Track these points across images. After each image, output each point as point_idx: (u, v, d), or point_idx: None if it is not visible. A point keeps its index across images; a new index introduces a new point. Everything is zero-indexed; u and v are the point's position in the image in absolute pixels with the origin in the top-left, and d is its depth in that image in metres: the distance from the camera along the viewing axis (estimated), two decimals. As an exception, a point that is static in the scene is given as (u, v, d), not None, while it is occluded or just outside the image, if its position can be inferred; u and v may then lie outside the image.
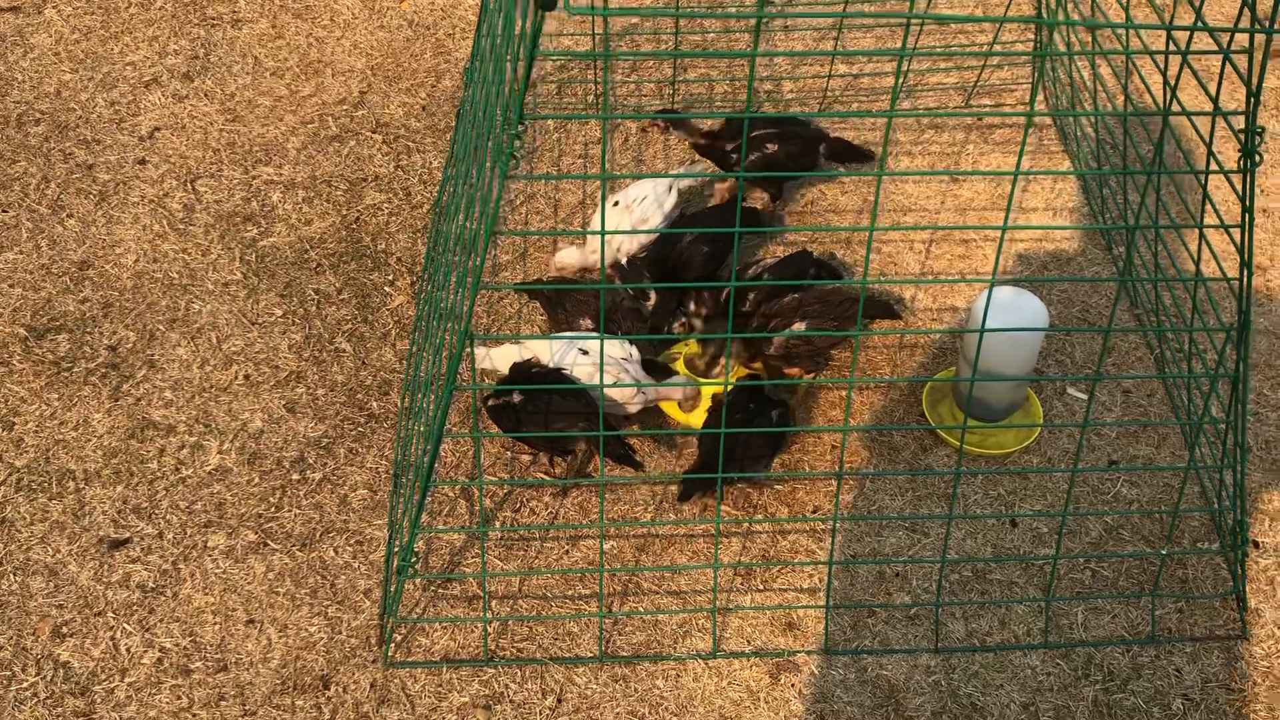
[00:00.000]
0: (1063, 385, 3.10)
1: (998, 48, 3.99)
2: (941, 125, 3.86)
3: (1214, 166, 2.21)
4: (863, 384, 3.05)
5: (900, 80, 3.84)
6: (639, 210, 3.18)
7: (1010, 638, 2.61)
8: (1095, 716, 2.49)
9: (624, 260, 3.13)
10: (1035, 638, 2.61)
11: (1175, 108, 2.29)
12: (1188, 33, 2.03)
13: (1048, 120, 3.85)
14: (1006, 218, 2.11)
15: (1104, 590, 2.69)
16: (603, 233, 2.05)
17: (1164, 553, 2.65)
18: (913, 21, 3.64)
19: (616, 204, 3.21)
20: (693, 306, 3.01)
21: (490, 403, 2.73)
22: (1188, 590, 2.69)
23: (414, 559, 2.52)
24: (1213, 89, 2.16)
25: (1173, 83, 2.25)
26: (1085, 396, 3.08)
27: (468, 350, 2.57)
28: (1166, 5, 4.14)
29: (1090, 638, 2.62)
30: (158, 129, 3.77)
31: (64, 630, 2.57)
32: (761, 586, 2.68)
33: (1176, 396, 3.06)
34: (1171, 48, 2.30)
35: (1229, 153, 3.46)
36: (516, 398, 2.67)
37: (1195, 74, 2.23)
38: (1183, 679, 2.55)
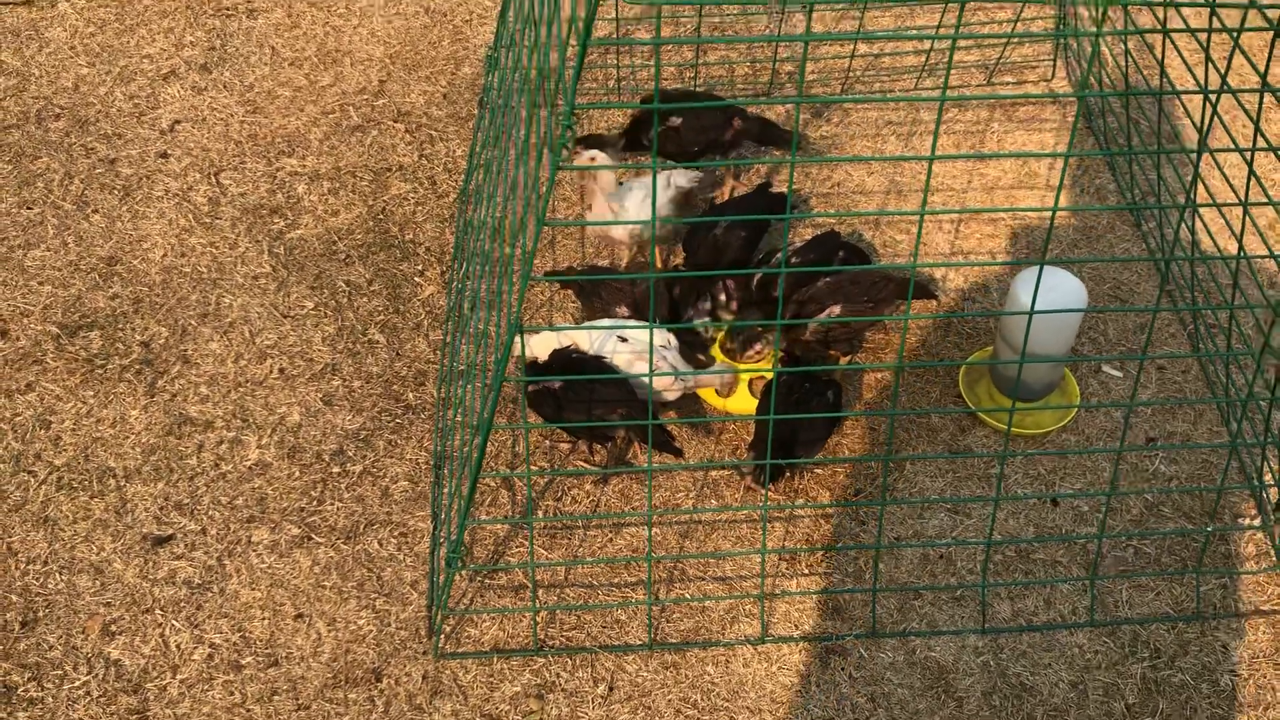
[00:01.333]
0: (1097, 364, 3.10)
1: (1020, 26, 3.97)
2: (964, 104, 3.85)
3: (1261, 144, 2.20)
4: (909, 368, 3.04)
5: (925, 59, 3.85)
6: (634, 191, 3.16)
7: (1056, 617, 2.62)
8: (1144, 693, 2.50)
9: (630, 234, 3.11)
10: (1081, 616, 2.62)
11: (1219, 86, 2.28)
12: (1238, 10, 2.02)
13: (1070, 97, 3.83)
14: (1058, 199, 2.10)
15: (1147, 568, 2.70)
16: (653, 221, 2.04)
17: (1209, 530, 2.66)
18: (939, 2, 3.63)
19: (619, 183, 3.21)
20: (723, 297, 3.00)
21: (530, 389, 2.72)
22: (1231, 566, 2.70)
23: (463, 551, 2.52)
24: (1261, 65, 2.15)
25: (1214, 59, 2.24)
26: (1120, 374, 3.08)
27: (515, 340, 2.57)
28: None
29: (1136, 615, 2.63)
30: (178, 122, 3.75)
31: (113, 628, 2.57)
32: (807, 571, 2.69)
33: (1212, 373, 3.06)
34: (1214, 25, 2.29)
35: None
36: (557, 384, 2.67)
37: (1243, 52, 2.22)
38: (1229, 655, 2.57)
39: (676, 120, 3.29)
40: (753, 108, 3.48)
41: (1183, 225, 3.26)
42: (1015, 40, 3.96)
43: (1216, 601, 2.65)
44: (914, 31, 4.04)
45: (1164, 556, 2.73)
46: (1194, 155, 2.29)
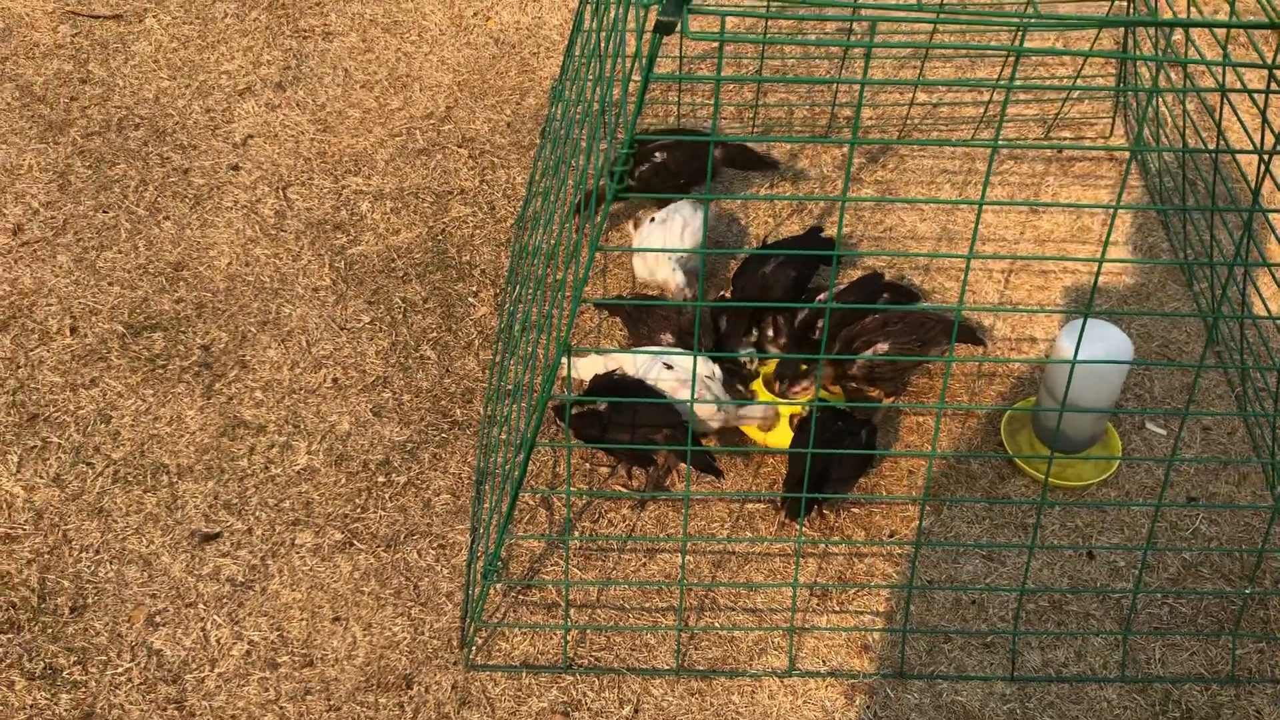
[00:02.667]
0: (1141, 420, 3.09)
1: (1080, 81, 4.00)
2: (1020, 156, 3.87)
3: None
4: (949, 409, 3.06)
5: (984, 110, 3.89)
6: (672, 224, 3.22)
7: (1087, 669, 2.61)
8: (1172, 753, 2.48)
9: (682, 274, 3.16)
10: (1112, 671, 2.61)
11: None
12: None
13: (1126, 154, 3.85)
14: (1104, 250, 2.12)
15: (1183, 627, 2.68)
16: (703, 252, 2.09)
17: (1247, 592, 2.64)
18: (998, 52, 3.66)
19: (653, 219, 3.27)
20: (770, 333, 3.04)
21: (575, 412, 2.78)
22: (1269, 631, 2.67)
23: (499, 565, 2.57)
24: (1316, 129, 2.17)
25: (1272, 123, 2.25)
26: (1164, 432, 3.08)
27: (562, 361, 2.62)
28: (1266, 40, 4.13)
29: (1168, 674, 2.61)
30: (251, 136, 3.87)
31: (157, 619, 2.64)
32: (838, 608, 2.70)
33: (1258, 435, 3.04)
34: (1272, 86, 2.31)
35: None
36: (602, 406, 2.72)
37: (1298, 114, 2.24)
38: (1263, 718, 2.54)
39: (661, 155, 3.35)
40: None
41: (1233, 285, 3.25)
42: (1074, 96, 3.98)
43: (1253, 666, 2.63)
44: (972, 81, 4.07)
45: (1200, 617, 2.71)
46: (1246, 214, 2.30)
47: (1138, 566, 2.76)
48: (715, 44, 4.25)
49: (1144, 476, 2.98)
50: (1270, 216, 3.20)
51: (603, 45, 2.43)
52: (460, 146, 3.87)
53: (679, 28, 1.87)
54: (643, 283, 3.32)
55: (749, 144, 3.55)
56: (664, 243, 3.16)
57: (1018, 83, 4.13)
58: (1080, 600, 2.72)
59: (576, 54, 3.13)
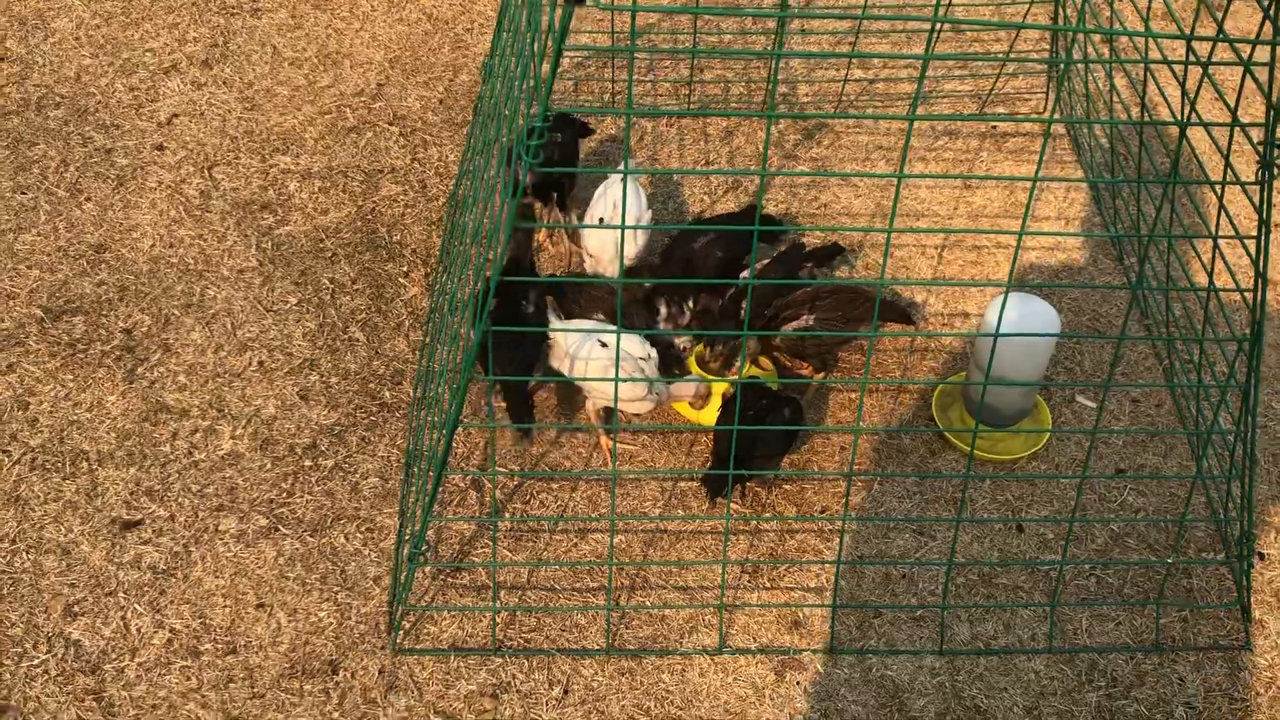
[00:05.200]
0: (1072, 393, 3.11)
1: (1015, 56, 4.01)
2: (955, 132, 3.88)
3: (1230, 177, 2.22)
4: (874, 385, 3.06)
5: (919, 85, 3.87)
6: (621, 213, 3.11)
7: (1015, 641, 2.63)
8: (1098, 722, 2.51)
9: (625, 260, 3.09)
10: (1040, 642, 2.63)
11: (1193, 118, 2.31)
12: (1208, 43, 2.05)
13: (1060, 129, 3.87)
14: (1024, 224, 2.12)
15: (1109, 597, 2.71)
16: (623, 227, 2.07)
17: (1169, 561, 2.67)
18: (928, 26, 3.66)
19: (601, 220, 3.16)
20: (685, 317, 3.02)
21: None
22: (1193, 600, 2.70)
23: (425, 548, 2.53)
24: (1232, 100, 2.17)
25: (1191, 94, 2.26)
26: (1094, 405, 3.10)
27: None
28: (1185, 16, 4.16)
29: (1095, 644, 2.63)
30: (176, 115, 3.79)
31: (75, 609, 2.58)
32: (768, 585, 2.70)
33: (1184, 407, 3.07)
34: (1191, 58, 2.32)
35: (1244, 165, 3.48)
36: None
37: (1215, 85, 2.25)
38: (1185, 687, 2.57)
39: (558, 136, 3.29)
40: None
41: (1160, 258, 3.28)
42: (1007, 71, 3.99)
43: (1176, 634, 2.66)
44: (890, 55, 4.07)
45: (1126, 587, 2.73)
46: (1165, 186, 2.31)
47: (1065, 539, 2.78)
48: (655, 19, 4.21)
49: (1074, 449, 3.00)
50: (1191, 188, 3.23)
51: (522, 19, 2.38)
52: (391, 124, 3.81)
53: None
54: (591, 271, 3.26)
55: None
56: (615, 238, 3.06)
57: (964, 55, 4.13)
58: (1009, 573, 2.74)
59: (504, 29, 3.09)
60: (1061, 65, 3.67)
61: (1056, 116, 3.88)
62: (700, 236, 3.07)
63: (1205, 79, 2.13)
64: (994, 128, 3.89)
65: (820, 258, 3.17)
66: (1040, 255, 3.48)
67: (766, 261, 3.12)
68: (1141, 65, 2.78)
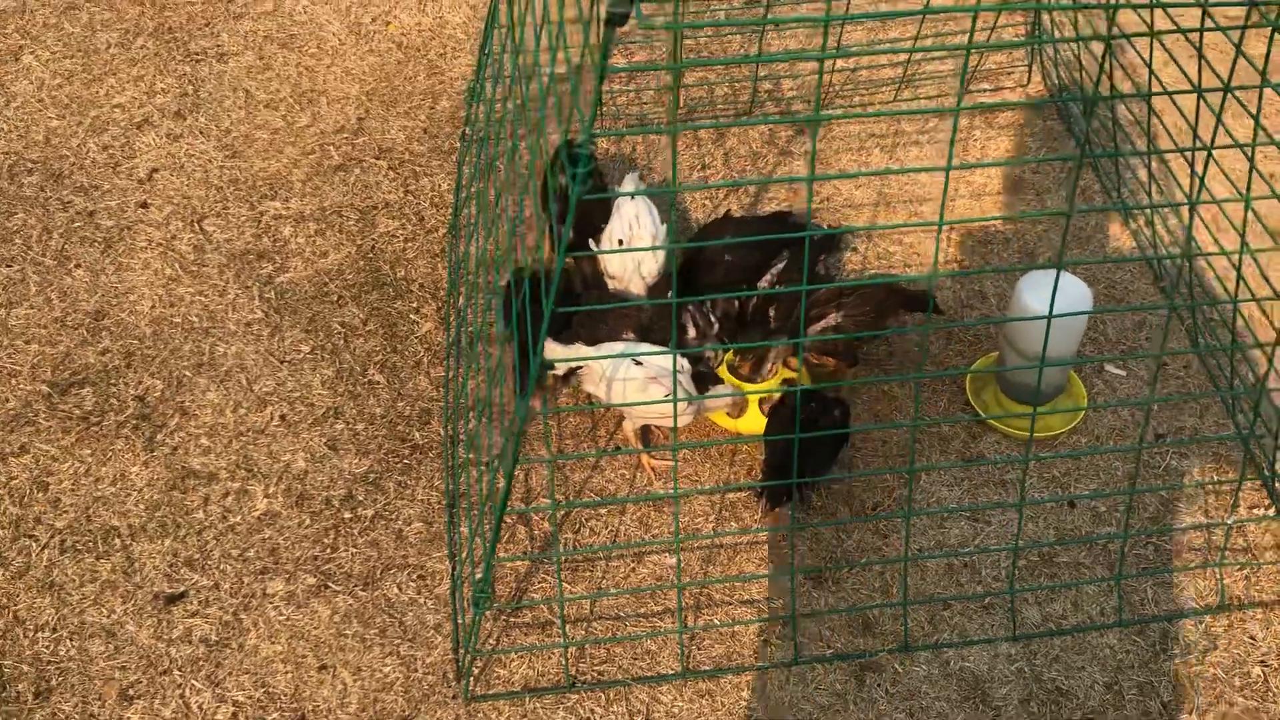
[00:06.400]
0: (1100, 364, 3.12)
1: (991, 34, 4.02)
2: (944, 113, 3.87)
3: (1262, 138, 2.23)
4: (913, 377, 3.03)
5: (903, 71, 3.87)
6: (642, 230, 3.06)
7: (1085, 619, 2.62)
8: (1178, 690, 2.50)
9: (647, 277, 3.04)
10: (1109, 617, 2.62)
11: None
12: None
13: (1049, 103, 3.88)
14: (1071, 206, 2.11)
15: (1169, 564, 2.71)
16: (671, 246, 2.02)
17: (1229, 523, 2.67)
18: (913, 15, 3.65)
19: (620, 242, 3.09)
20: (692, 331, 2.98)
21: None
22: (1251, 558, 2.71)
23: (489, 591, 2.47)
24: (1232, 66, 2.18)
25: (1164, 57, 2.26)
26: (1123, 373, 3.10)
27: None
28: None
29: (1163, 612, 2.63)
30: (156, 170, 3.68)
31: (131, 693, 2.49)
32: (834, 588, 2.67)
33: (1213, 366, 3.09)
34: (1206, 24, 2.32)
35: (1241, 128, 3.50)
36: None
37: (1200, 53, 2.25)
38: (1257, 645, 2.58)
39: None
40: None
41: (1159, 223, 3.30)
42: (987, 48, 3.99)
43: (1240, 593, 2.66)
44: (885, 45, 4.07)
45: (1185, 552, 2.74)
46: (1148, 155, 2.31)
47: (1119, 510, 2.78)
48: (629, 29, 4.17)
49: (1111, 419, 3.00)
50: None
51: (533, 39, 2.33)
52: (378, 158, 3.73)
53: (633, 20, 1.79)
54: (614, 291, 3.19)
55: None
56: (635, 261, 2.99)
57: (926, 41, 4.13)
58: (1069, 551, 2.73)
59: (495, 50, 3.03)
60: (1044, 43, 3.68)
61: (1038, 92, 3.90)
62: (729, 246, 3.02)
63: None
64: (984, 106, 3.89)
65: (828, 246, 3.14)
66: (1047, 228, 3.49)
67: (781, 265, 3.08)
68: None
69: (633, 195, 3.02)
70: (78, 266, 3.39)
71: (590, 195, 1.94)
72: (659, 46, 4.13)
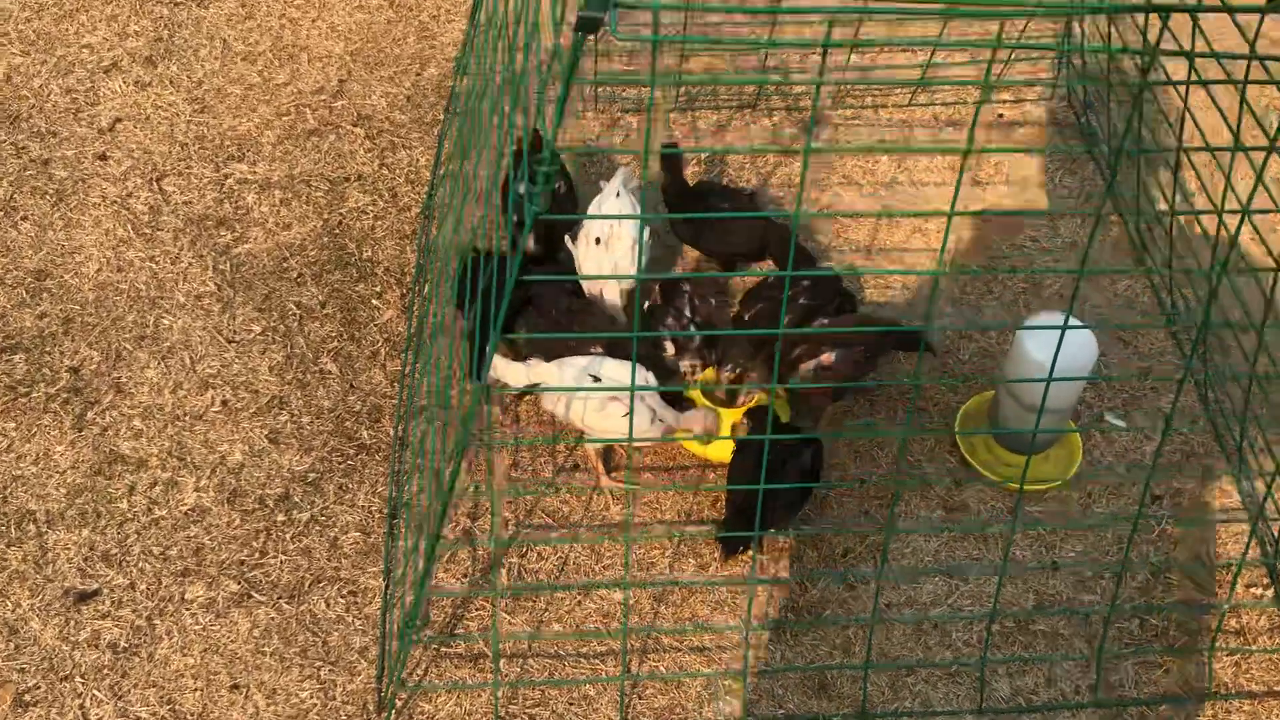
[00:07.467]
0: (1099, 412, 2.91)
1: (1020, 35, 3.78)
2: (961, 122, 3.64)
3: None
4: (913, 435, 2.83)
5: (921, 73, 3.64)
6: (618, 242, 2.84)
7: (1058, 695, 2.44)
8: (1151, 784, 2.33)
9: (621, 292, 2.83)
10: (1084, 695, 2.44)
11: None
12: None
13: (1069, 118, 3.64)
14: (1084, 262, 1.90)
15: (1154, 641, 2.52)
16: (639, 277, 1.82)
17: (1226, 606, 2.48)
18: (933, 15, 3.41)
19: (598, 240, 2.88)
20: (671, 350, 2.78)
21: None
22: (1244, 643, 2.53)
23: (420, 623, 2.29)
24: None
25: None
26: (1123, 424, 2.90)
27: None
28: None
29: (1143, 695, 2.45)
30: (119, 120, 3.47)
31: (27, 698, 2.32)
32: (791, 642, 2.49)
33: (1220, 425, 2.88)
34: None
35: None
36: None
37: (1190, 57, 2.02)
38: (1241, 740, 2.40)
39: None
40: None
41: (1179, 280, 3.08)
42: (1013, 57, 3.75)
43: (1228, 680, 2.48)
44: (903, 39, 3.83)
45: (1172, 630, 2.55)
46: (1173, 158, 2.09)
47: (1104, 576, 2.59)
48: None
49: (1106, 474, 2.81)
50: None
51: (511, 33, 2.11)
52: (356, 125, 3.51)
53: (606, 29, 1.58)
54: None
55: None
56: (611, 263, 2.79)
57: (951, 40, 3.88)
58: (1048, 619, 2.55)
59: (479, 23, 2.81)
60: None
61: (1071, 107, 3.67)
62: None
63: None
64: (1000, 115, 3.66)
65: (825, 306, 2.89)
66: (1041, 232, 3.28)
67: (761, 305, 2.84)
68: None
69: (614, 211, 2.80)
70: (24, 219, 3.18)
71: (549, 216, 1.74)
72: (668, 28, 3.89)
